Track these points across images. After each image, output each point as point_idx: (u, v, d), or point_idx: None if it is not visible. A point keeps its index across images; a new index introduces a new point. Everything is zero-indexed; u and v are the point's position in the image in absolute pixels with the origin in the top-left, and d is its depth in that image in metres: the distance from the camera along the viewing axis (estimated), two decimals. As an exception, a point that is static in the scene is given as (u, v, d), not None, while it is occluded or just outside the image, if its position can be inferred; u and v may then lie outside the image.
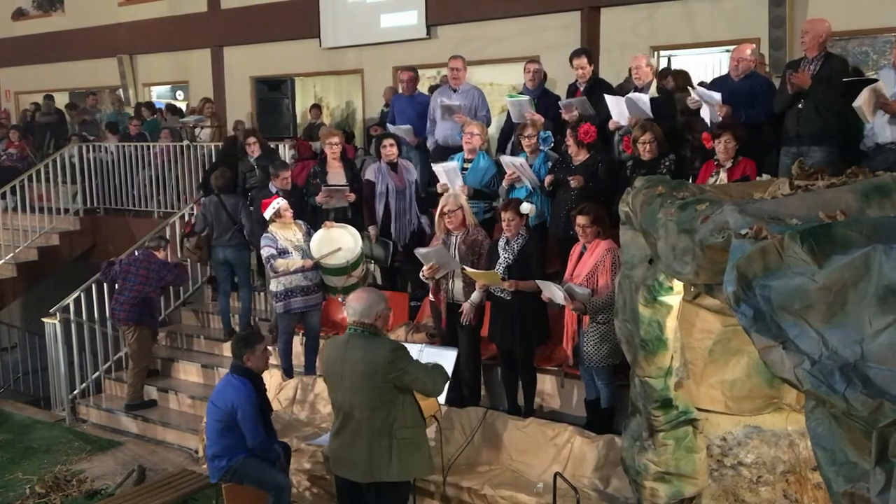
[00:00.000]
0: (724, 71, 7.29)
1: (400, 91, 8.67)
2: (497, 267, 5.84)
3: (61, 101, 14.98)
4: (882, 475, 2.17)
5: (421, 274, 6.16)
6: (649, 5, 9.82)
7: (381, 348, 4.26)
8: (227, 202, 8.01)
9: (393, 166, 7.29)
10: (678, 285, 4.11)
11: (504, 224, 5.89)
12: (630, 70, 7.22)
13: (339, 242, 6.67)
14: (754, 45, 7.29)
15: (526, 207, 6.00)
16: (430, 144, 8.04)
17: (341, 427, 4.39)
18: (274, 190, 7.42)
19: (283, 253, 6.66)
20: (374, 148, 10.28)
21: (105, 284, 8.30)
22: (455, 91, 7.72)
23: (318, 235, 6.73)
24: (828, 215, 2.94)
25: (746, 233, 2.86)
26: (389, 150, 7.28)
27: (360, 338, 4.31)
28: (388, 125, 8.41)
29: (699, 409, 4.50)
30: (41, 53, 15.95)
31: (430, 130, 7.99)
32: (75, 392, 8.41)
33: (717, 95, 6.27)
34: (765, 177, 5.19)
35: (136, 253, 8.22)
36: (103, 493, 6.41)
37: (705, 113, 6.41)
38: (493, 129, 8.12)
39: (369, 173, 7.44)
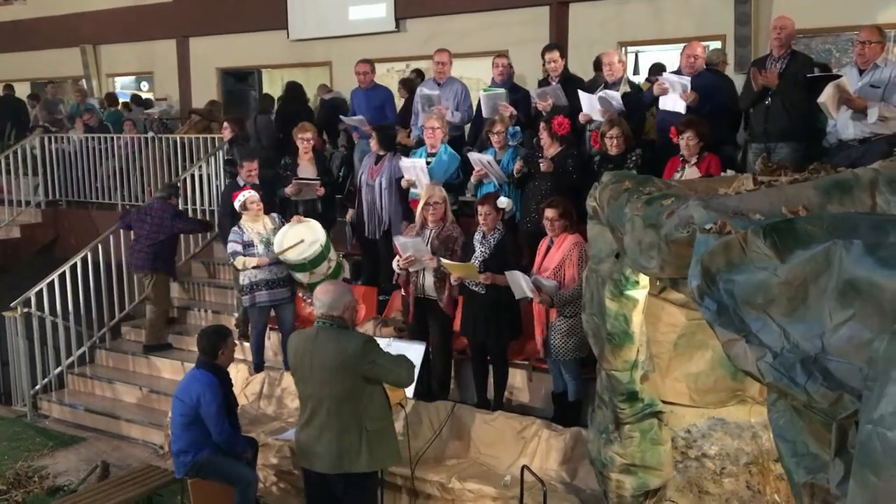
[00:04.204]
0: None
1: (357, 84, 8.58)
2: (473, 261, 5.84)
3: (22, 91, 14.66)
4: (841, 466, 2.20)
5: (395, 263, 6.13)
6: (617, 1, 9.89)
7: (352, 340, 4.27)
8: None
9: (377, 158, 7.24)
10: (644, 279, 4.15)
11: (480, 218, 5.89)
12: (594, 65, 7.23)
13: (302, 237, 6.47)
14: (706, 44, 7.36)
15: (503, 202, 6.01)
16: (413, 138, 7.98)
17: (309, 419, 4.37)
18: (241, 183, 7.35)
19: (248, 246, 6.61)
20: (339, 141, 10.26)
21: (67, 273, 8.30)
22: (439, 85, 7.69)
23: (284, 229, 6.59)
24: (790, 211, 2.98)
25: (711, 228, 2.88)
26: (371, 142, 7.28)
27: (329, 330, 4.31)
28: (342, 118, 8.48)
29: (664, 402, 4.55)
30: (1, 43, 15.60)
31: (413, 123, 7.93)
32: (37, 387, 8.27)
33: (686, 80, 6.28)
34: (729, 172, 5.24)
35: (153, 201, 8.27)
36: (66, 490, 6.31)
37: (670, 100, 6.39)
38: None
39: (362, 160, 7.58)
